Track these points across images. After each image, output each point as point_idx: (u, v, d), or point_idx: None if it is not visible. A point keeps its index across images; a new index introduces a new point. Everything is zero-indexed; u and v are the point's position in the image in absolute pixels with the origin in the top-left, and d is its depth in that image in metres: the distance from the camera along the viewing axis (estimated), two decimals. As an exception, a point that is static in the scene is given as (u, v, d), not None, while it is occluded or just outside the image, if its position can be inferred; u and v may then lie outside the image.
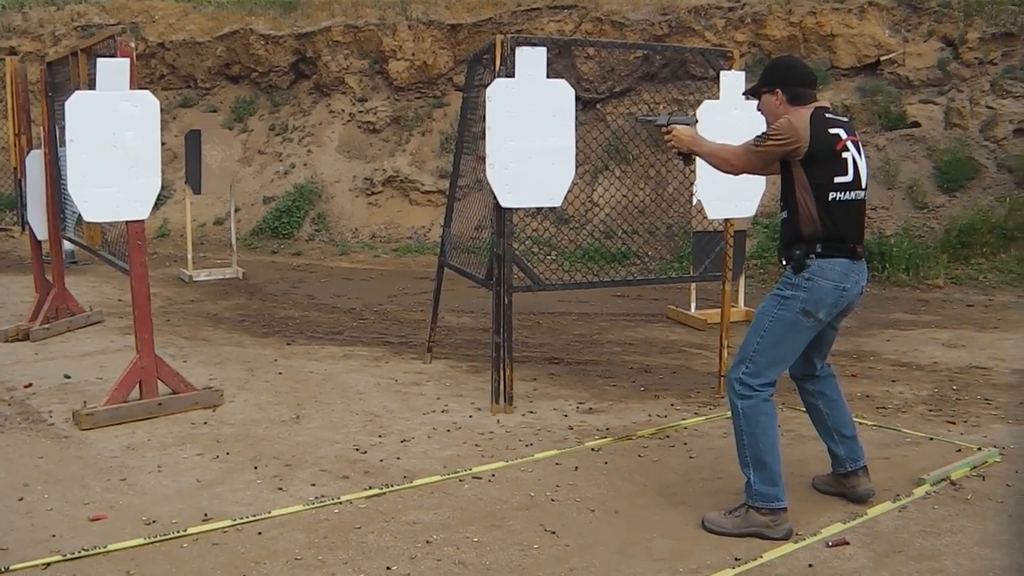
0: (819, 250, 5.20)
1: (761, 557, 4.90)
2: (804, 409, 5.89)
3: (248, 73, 20.67)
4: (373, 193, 18.51)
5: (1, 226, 17.18)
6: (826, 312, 5.25)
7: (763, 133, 5.33)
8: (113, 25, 19.92)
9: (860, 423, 7.10)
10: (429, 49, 18.94)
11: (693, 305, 11.20)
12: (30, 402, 7.77)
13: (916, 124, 15.11)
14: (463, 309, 11.74)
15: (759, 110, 5.58)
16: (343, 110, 19.64)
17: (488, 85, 7.31)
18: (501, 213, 7.34)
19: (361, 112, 19.44)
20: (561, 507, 5.60)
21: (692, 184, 8.03)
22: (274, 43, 20.11)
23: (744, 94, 6.36)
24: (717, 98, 7.81)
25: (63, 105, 7.24)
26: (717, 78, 7.89)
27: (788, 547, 5.02)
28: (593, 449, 6.65)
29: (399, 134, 18.96)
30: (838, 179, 5.20)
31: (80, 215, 7.63)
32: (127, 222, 7.29)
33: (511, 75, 7.25)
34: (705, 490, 5.88)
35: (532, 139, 7.28)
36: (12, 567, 4.84)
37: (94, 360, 9.13)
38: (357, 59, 19.60)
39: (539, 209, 8.86)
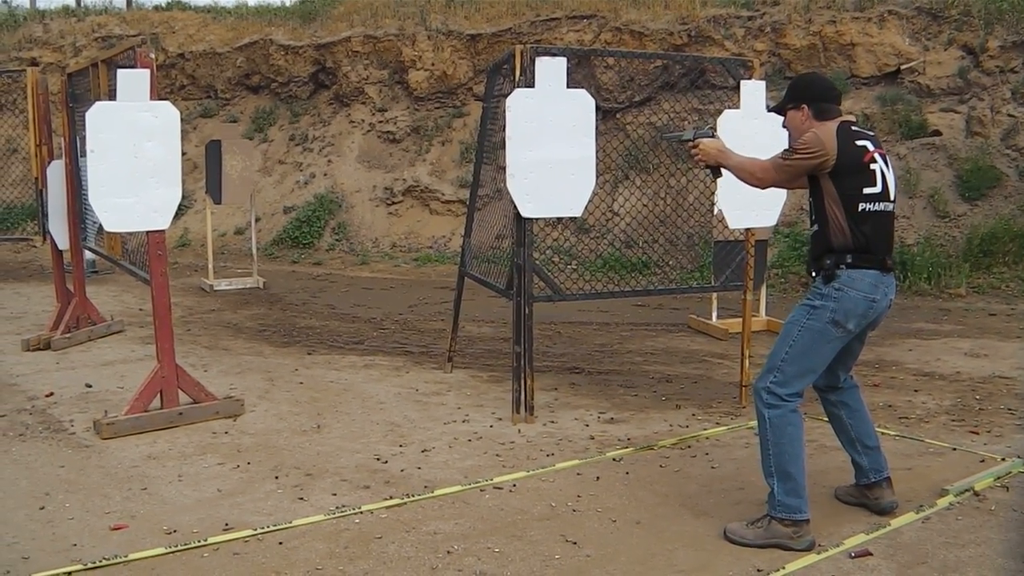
0: (849, 261, 5.21)
1: (783, 568, 4.87)
2: (826, 419, 5.86)
3: (268, 83, 20.72)
4: (393, 203, 18.53)
5: (23, 236, 17.21)
6: (855, 323, 5.25)
7: (790, 147, 5.35)
8: (133, 36, 19.99)
9: (883, 433, 7.07)
10: (449, 59, 18.97)
11: (714, 315, 11.17)
12: (51, 411, 7.79)
13: (937, 133, 15.06)
14: (484, 319, 11.74)
15: (784, 127, 5.61)
16: (363, 120, 19.67)
17: (508, 95, 7.30)
18: (521, 223, 7.33)
19: (381, 122, 19.47)
20: (582, 517, 5.57)
21: (713, 194, 8.01)
22: (294, 53, 20.15)
23: (770, 110, 6.28)
24: (737, 107, 7.77)
25: (84, 116, 7.26)
26: (737, 87, 7.86)
27: (811, 558, 4.99)
28: (614, 459, 6.62)
29: (419, 144, 18.98)
30: (867, 190, 5.20)
31: (101, 225, 7.65)
32: (147, 232, 7.30)
33: (531, 85, 7.23)
34: (727, 501, 5.84)
35: (552, 149, 7.27)
36: (33, 575, 4.86)
37: (115, 369, 9.14)
38: (377, 69, 19.63)
39: (560, 219, 8.86)
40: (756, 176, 5.53)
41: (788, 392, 5.26)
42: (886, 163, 5.32)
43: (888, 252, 5.33)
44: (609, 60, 16.63)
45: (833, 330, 5.23)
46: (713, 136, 5.76)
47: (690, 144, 5.76)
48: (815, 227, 5.39)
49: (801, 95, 5.47)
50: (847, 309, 5.19)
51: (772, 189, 7.49)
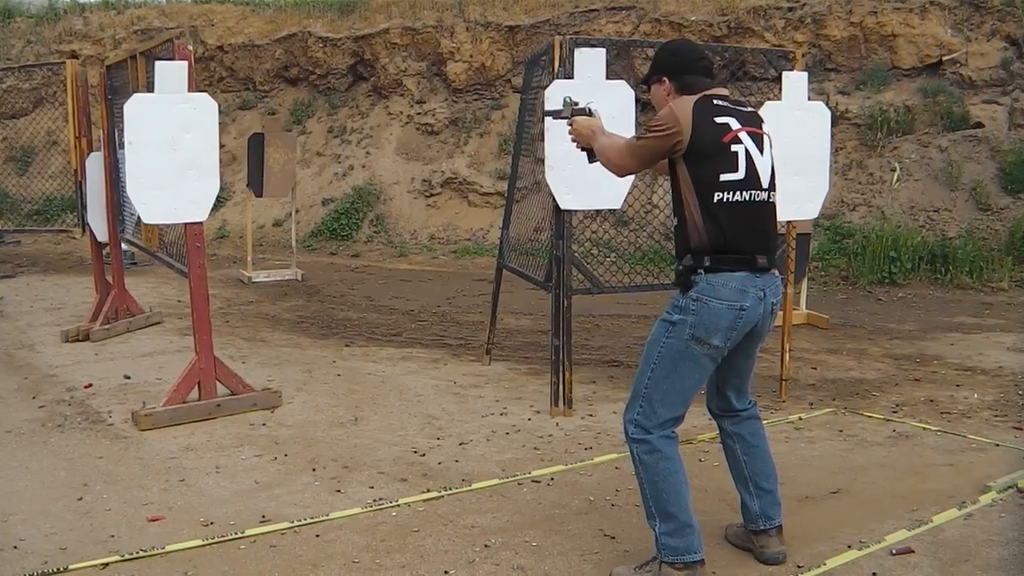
0: (707, 264, 4.49)
1: (824, 565, 4.82)
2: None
3: (306, 75, 20.73)
4: (431, 195, 18.51)
5: (62, 228, 17.32)
6: (721, 338, 4.51)
7: (644, 126, 4.80)
8: (172, 29, 20.01)
9: (924, 428, 7.03)
10: (487, 51, 18.93)
11: (753, 308, 11.09)
12: (90, 402, 7.82)
13: (979, 125, 14.92)
14: (522, 311, 11.70)
15: (652, 101, 4.98)
16: (401, 112, 19.66)
17: (546, 87, 7.26)
18: (560, 215, 7.30)
19: (419, 114, 19.46)
20: (621, 512, 5.54)
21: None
22: (332, 46, 20.16)
23: (639, 83, 5.81)
24: (779, 99, 7.71)
25: (122, 108, 7.27)
26: (778, 79, 7.79)
27: (852, 554, 4.93)
28: (653, 453, 6.57)
29: (457, 136, 18.96)
30: (724, 176, 4.48)
31: (139, 217, 7.67)
32: (185, 224, 7.31)
33: (570, 76, 7.20)
34: (767, 495, 5.79)
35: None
36: (71, 566, 4.86)
37: (153, 361, 9.17)
38: (415, 61, 19.62)
39: (598, 211, 8.81)
40: (612, 161, 4.88)
41: (655, 423, 4.60)
42: (759, 145, 4.62)
43: (761, 249, 4.59)
44: (648, 51, 16.54)
45: (696, 348, 4.51)
46: (590, 114, 5.12)
47: (568, 122, 5.15)
48: (675, 220, 4.71)
49: (662, 67, 4.83)
50: (708, 323, 4.47)
51: (814, 180, 7.45)
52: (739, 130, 4.54)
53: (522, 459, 6.48)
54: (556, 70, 7.29)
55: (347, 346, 9.96)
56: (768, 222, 4.68)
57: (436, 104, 19.40)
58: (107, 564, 4.90)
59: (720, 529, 5.26)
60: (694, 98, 4.57)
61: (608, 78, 7.35)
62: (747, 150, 4.55)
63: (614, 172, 5.00)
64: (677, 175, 4.60)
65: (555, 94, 7.01)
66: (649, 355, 4.64)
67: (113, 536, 5.26)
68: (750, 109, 4.80)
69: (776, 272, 4.70)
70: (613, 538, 5.18)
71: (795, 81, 7.71)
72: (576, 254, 7.74)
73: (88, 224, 10.39)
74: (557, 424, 7.26)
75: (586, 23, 18.07)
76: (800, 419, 7.39)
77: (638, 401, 4.64)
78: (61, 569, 4.84)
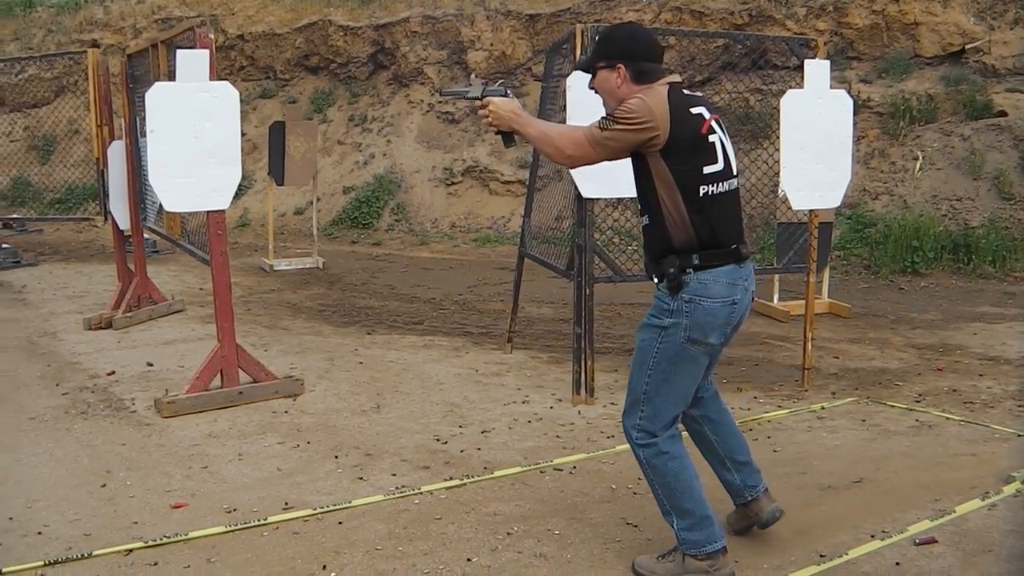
0: (697, 262, 4.35)
1: (847, 555, 4.80)
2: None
3: (327, 64, 20.75)
4: (452, 183, 18.51)
5: (84, 216, 17.36)
6: (718, 335, 4.46)
7: (609, 116, 4.40)
8: (193, 17, 20.09)
9: (947, 418, 7.01)
10: (507, 39, 18.91)
11: (776, 297, 11.07)
12: (113, 389, 7.85)
13: (1002, 113, 14.83)
14: (543, 300, 11.69)
15: (591, 88, 4.73)
16: (422, 100, 19.66)
17: (567, 75, 7.25)
18: (582, 203, 7.28)
19: (440, 102, 19.45)
20: (643, 500, 5.50)
21: (776, 175, 7.94)
22: (352, 34, 20.17)
23: (576, 68, 5.40)
24: (801, 87, 7.68)
25: (143, 96, 7.28)
26: (800, 67, 7.76)
27: (875, 544, 4.92)
28: (675, 441, 6.56)
29: (478, 124, 18.92)
30: (708, 169, 4.35)
31: (161, 205, 7.68)
32: (207, 212, 7.33)
33: (591, 64, 7.18)
34: (789, 485, 5.76)
35: (613, 128, 7.19)
36: (95, 552, 4.89)
37: (175, 348, 9.19)
38: (435, 50, 19.61)
39: (620, 199, 8.80)
40: (564, 151, 4.52)
41: (660, 425, 4.51)
42: (723, 131, 4.52)
43: (740, 238, 4.51)
44: (669, 39, 16.52)
45: (692, 349, 4.43)
46: (506, 95, 4.80)
47: (478, 103, 4.82)
48: (646, 219, 4.51)
49: (617, 52, 4.53)
50: (704, 323, 4.38)
51: (836, 168, 7.41)
52: (711, 119, 4.43)
53: (544, 447, 6.49)
54: (578, 58, 7.27)
55: (369, 334, 9.97)
56: (740, 208, 4.63)
57: (457, 93, 19.37)
58: (131, 550, 4.93)
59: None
60: (664, 88, 4.38)
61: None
62: (720, 139, 4.45)
63: (563, 162, 4.77)
64: (650, 171, 4.37)
65: (577, 82, 7.01)
66: (643, 361, 4.51)
67: (136, 522, 5.29)
68: (702, 95, 4.73)
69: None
70: (635, 526, 5.18)
71: (817, 69, 7.67)
72: (598, 242, 7.73)
73: (110, 212, 10.41)
74: (579, 412, 7.26)
75: (607, 11, 18.03)
76: (823, 408, 7.38)
77: (639, 406, 4.53)
78: (85, 555, 4.86)
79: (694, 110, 4.38)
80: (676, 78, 4.53)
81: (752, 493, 4.94)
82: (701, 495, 4.55)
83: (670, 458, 4.50)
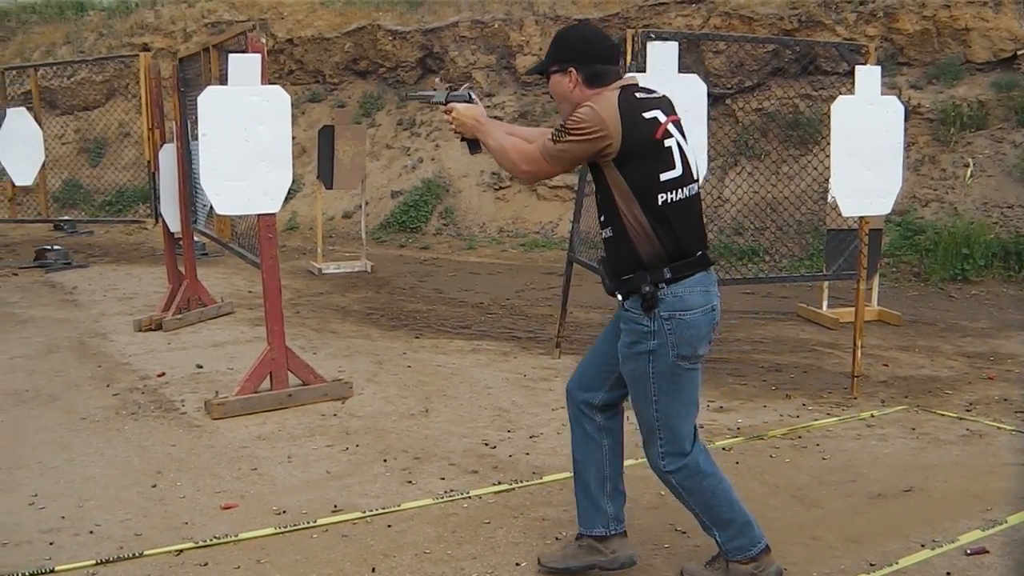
0: (668, 276, 4.17)
1: (896, 563, 4.78)
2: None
3: (375, 68, 20.80)
4: (500, 188, 18.51)
5: (134, 218, 17.50)
6: (704, 344, 4.33)
7: (561, 127, 4.23)
8: (242, 22, 20.20)
9: (999, 427, 6.97)
10: (556, 44, 18.88)
11: (824, 304, 11.00)
12: (163, 391, 7.91)
13: (1055, 120, 14.71)
14: (591, 304, 11.66)
15: (551, 93, 4.52)
16: (470, 105, 19.65)
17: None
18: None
19: (488, 107, 19.38)
20: (691, 506, 5.52)
21: (826, 181, 7.90)
22: (401, 39, 20.22)
23: (528, 72, 5.14)
24: (851, 93, 7.64)
25: (195, 100, 7.34)
26: (850, 73, 7.72)
27: (925, 553, 4.89)
28: (724, 448, 6.55)
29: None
30: (664, 176, 4.17)
31: (211, 208, 7.74)
32: (258, 215, 7.37)
33: (642, 70, 7.17)
34: (839, 493, 5.75)
35: (663, 134, 7.16)
36: (146, 552, 4.94)
37: (225, 351, 9.25)
38: (484, 54, 19.63)
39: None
40: (521, 167, 4.41)
41: (684, 444, 4.39)
42: (682, 133, 4.30)
43: (704, 242, 4.35)
44: (719, 45, 16.47)
45: (684, 365, 4.28)
46: (471, 101, 4.73)
47: (443, 108, 4.75)
48: (608, 232, 4.33)
49: (568, 54, 4.36)
50: (689, 337, 4.24)
51: (887, 174, 7.36)
52: (666, 122, 4.22)
53: (592, 452, 6.45)
54: (628, 63, 7.27)
55: (417, 338, 9.99)
56: (702, 213, 4.44)
57: (505, 97, 19.39)
58: (181, 551, 4.97)
59: (791, 526, 5.25)
60: (615, 93, 4.20)
61: (679, 71, 7.31)
62: (678, 143, 4.25)
63: (521, 176, 4.57)
64: (607, 182, 4.22)
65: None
66: (644, 391, 4.35)
67: (187, 523, 5.34)
68: (663, 94, 4.41)
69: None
70: (684, 533, 5.17)
71: (868, 75, 7.63)
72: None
73: (161, 215, 10.49)
74: (628, 419, 7.23)
75: (655, 16, 17.99)
76: (872, 416, 7.33)
77: (656, 434, 4.39)
78: (136, 554, 4.91)
79: (647, 114, 4.18)
80: (631, 80, 4.37)
81: (617, 528, 4.70)
82: (737, 502, 4.47)
83: (703, 477, 4.40)
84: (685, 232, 4.22)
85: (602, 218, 4.34)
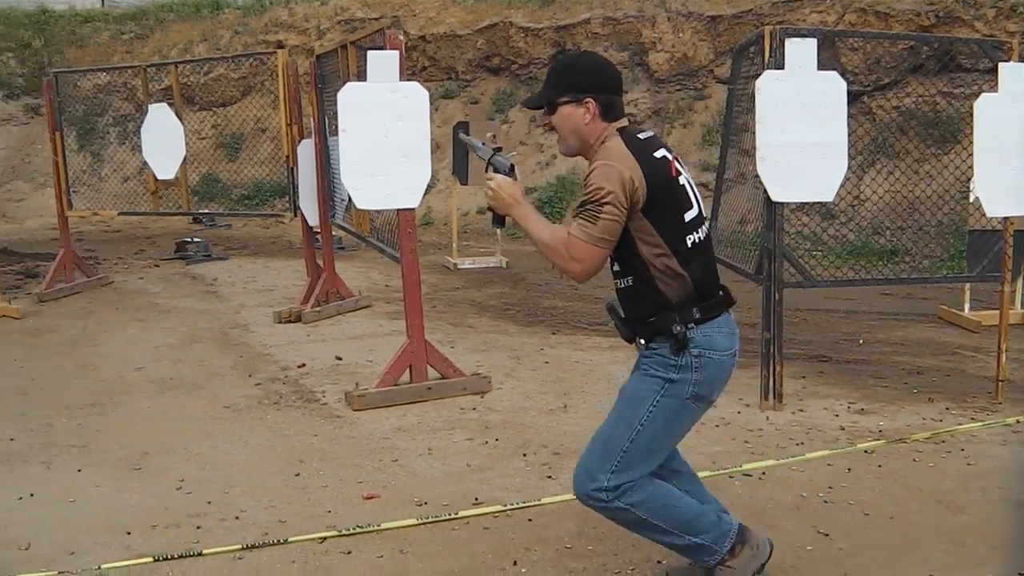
0: (698, 316, 4.02)
1: (1051, 572, 4.67)
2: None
3: (508, 65, 20.85)
4: (634, 185, 18.44)
5: (272, 212, 17.76)
6: (720, 390, 4.20)
7: (586, 203, 3.92)
8: (376, 19, 20.40)
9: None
10: (689, 41, 18.80)
11: (966, 306, 10.78)
12: (303, 382, 8.03)
13: None
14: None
15: (545, 125, 4.32)
16: (603, 102, 19.62)
17: (756, 77, 7.19)
18: (771, 207, 7.20)
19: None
20: (834, 509, 5.45)
21: (968, 180, 7.76)
22: (533, 35, 20.25)
23: (525, 105, 4.66)
24: (993, 90, 7.48)
25: (332, 96, 7.47)
26: (992, 70, 7.56)
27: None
28: (866, 451, 6.44)
29: (660, 126, 18.85)
30: (687, 215, 4.03)
31: (349, 202, 7.84)
32: (397, 210, 7.45)
33: (780, 67, 7.10)
34: (985, 499, 5.62)
35: (804, 133, 7.07)
36: (291, 539, 5.02)
37: (363, 343, 9.36)
38: (616, 51, 19.57)
39: (804, 203, 8.70)
40: (573, 267, 4.01)
41: (626, 480, 4.09)
42: (686, 169, 4.17)
43: (719, 281, 4.22)
44: (855, 42, 16.25)
45: (694, 406, 4.13)
46: (511, 173, 4.26)
47: (486, 173, 4.30)
48: (628, 281, 4.13)
49: (583, 84, 4.09)
50: (712, 378, 4.10)
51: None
52: (673, 159, 4.08)
53: (732, 452, 6.44)
54: (767, 61, 7.21)
55: (554, 334, 10.00)
56: (714, 254, 4.28)
57: (638, 94, 19.32)
58: (324, 538, 5.05)
59: (935, 531, 5.15)
60: (618, 140, 4.02)
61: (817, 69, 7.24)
62: (687, 179, 4.13)
63: (575, 273, 4.04)
64: (629, 232, 3.97)
65: (767, 85, 6.96)
66: (635, 412, 4.11)
67: (329, 511, 5.43)
68: (651, 131, 4.26)
69: None
70: (827, 535, 5.10)
71: (1013, 72, 7.45)
72: (786, 247, 7.65)
73: (300, 209, 10.63)
74: (767, 418, 7.18)
75: (789, 13, 17.81)
76: (1018, 422, 7.15)
77: (608, 462, 4.10)
78: (281, 541, 5.00)
79: (657, 154, 4.01)
80: (624, 121, 4.17)
81: (734, 524, 4.45)
82: (692, 502, 4.30)
83: (650, 495, 4.15)
84: (710, 272, 4.13)
85: (617, 267, 4.15)
